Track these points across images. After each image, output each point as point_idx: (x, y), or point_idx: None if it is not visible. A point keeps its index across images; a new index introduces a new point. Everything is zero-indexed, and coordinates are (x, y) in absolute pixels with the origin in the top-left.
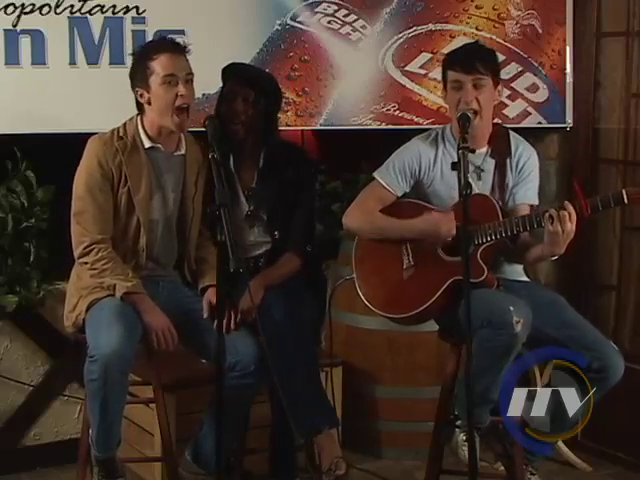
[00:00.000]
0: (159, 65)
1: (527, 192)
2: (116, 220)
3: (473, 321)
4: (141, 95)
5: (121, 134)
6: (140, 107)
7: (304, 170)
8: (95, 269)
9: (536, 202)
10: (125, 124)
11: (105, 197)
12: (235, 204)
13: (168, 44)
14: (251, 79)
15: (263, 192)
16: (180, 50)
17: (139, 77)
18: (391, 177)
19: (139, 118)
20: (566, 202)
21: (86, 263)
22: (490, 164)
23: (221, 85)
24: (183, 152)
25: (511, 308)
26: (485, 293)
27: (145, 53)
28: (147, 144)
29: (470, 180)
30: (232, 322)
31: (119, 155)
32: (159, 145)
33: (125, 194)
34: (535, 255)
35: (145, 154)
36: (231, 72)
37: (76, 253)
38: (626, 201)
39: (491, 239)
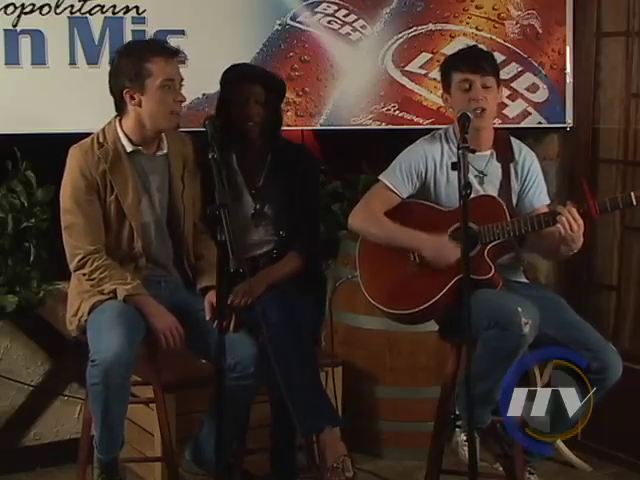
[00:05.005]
0: (157, 68)
1: (541, 195)
2: (107, 228)
3: (479, 321)
4: (131, 96)
5: (101, 140)
6: (120, 108)
7: (311, 170)
8: (93, 279)
9: (548, 201)
10: (104, 129)
11: (93, 207)
12: (240, 203)
13: (164, 47)
14: (261, 80)
15: (270, 190)
16: (175, 54)
17: (132, 78)
18: (397, 178)
19: (118, 121)
20: (571, 207)
21: (83, 274)
22: (496, 168)
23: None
24: (165, 151)
25: (519, 309)
26: (492, 293)
27: (139, 54)
28: (129, 148)
29: (474, 183)
30: (232, 323)
31: (102, 163)
32: (140, 147)
33: (114, 202)
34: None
35: (128, 159)
36: (237, 74)
37: (72, 266)
38: (634, 203)
39: (498, 238)
